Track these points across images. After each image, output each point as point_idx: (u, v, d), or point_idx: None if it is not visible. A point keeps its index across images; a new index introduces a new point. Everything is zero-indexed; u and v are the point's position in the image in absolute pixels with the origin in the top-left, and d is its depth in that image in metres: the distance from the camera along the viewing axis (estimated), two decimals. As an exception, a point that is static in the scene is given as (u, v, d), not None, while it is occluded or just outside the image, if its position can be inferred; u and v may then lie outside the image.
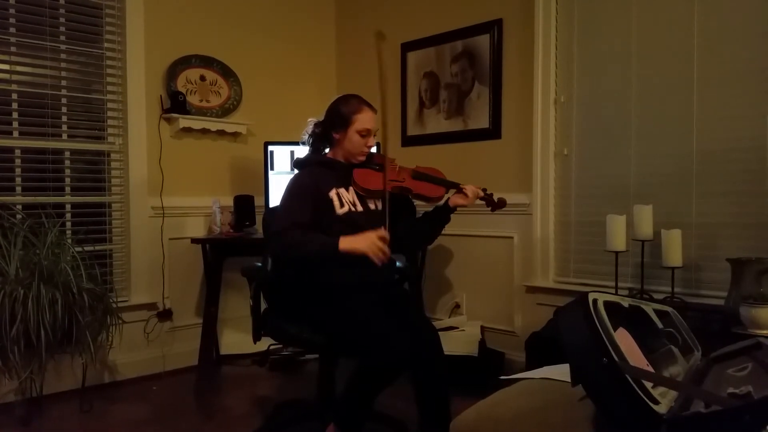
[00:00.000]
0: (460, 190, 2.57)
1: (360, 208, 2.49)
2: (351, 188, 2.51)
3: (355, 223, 2.43)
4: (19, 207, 3.21)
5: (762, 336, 1.93)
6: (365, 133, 2.49)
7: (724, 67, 2.83)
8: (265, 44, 4.19)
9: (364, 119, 2.49)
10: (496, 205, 2.61)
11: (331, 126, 2.51)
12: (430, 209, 2.61)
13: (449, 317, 3.82)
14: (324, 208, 2.42)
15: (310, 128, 2.60)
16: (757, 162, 2.74)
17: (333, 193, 2.45)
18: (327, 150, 2.60)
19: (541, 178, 3.45)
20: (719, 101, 2.85)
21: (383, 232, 2.25)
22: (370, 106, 2.54)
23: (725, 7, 2.82)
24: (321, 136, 2.57)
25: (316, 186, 2.44)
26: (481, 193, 2.61)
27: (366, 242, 2.24)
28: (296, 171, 2.59)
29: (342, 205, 2.44)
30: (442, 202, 2.59)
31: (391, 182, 2.51)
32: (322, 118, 2.59)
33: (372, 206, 2.55)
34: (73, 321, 2.89)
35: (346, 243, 2.25)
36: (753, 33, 2.74)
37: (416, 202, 2.70)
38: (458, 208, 2.57)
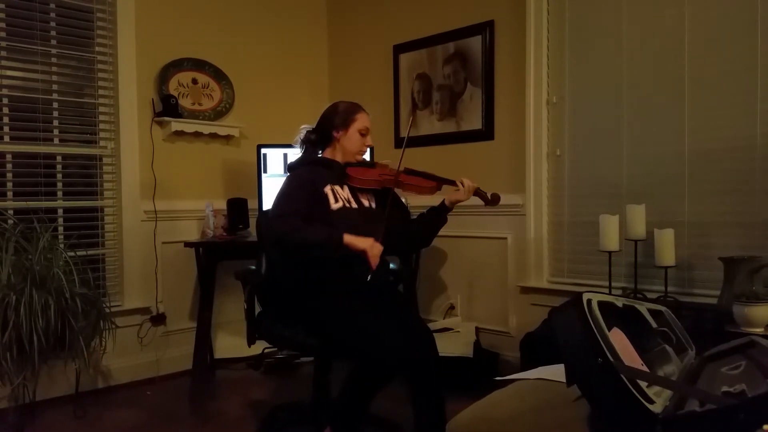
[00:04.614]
0: (454, 185, 2.58)
1: (354, 205, 2.51)
2: (345, 186, 2.53)
3: (349, 219, 2.44)
4: (11, 212, 3.19)
5: (755, 334, 1.94)
6: (365, 132, 2.57)
7: (715, 67, 2.84)
8: (257, 47, 4.18)
9: (363, 118, 2.58)
10: (490, 201, 2.61)
11: (332, 126, 2.55)
12: (426, 212, 2.62)
13: (444, 318, 3.82)
14: (319, 203, 2.44)
15: (302, 134, 2.64)
16: (749, 161, 2.75)
17: (328, 189, 2.48)
18: (320, 153, 2.63)
19: (534, 178, 3.46)
20: (710, 101, 2.86)
21: (380, 246, 2.34)
22: (365, 109, 2.62)
23: (716, 7, 2.84)
24: (315, 142, 2.61)
25: (312, 181, 2.47)
26: (475, 186, 2.60)
27: (368, 242, 2.31)
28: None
29: (336, 200, 2.47)
30: (437, 202, 2.59)
31: (383, 176, 2.56)
32: (314, 125, 2.63)
33: (366, 203, 2.57)
34: (66, 326, 2.87)
35: (349, 238, 2.30)
36: (743, 33, 2.75)
37: (412, 205, 2.71)
38: (454, 207, 2.58)
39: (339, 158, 2.57)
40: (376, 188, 2.59)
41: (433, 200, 2.63)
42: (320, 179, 2.48)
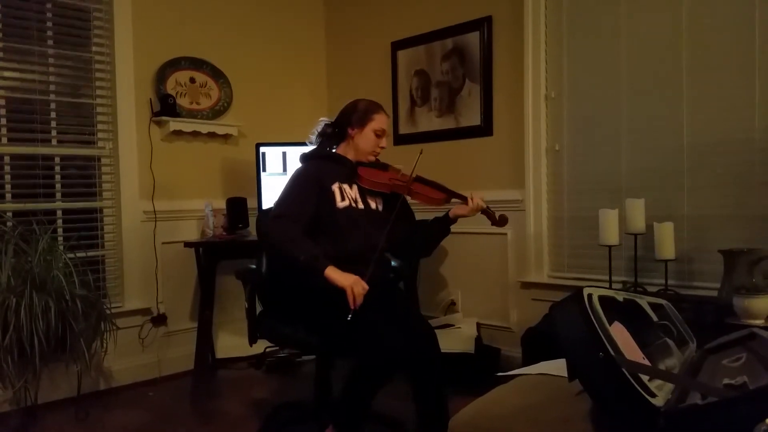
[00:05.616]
0: (463, 200, 2.56)
1: (361, 206, 2.50)
2: (354, 185, 2.52)
3: (354, 219, 2.44)
4: (10, 214, 3.18)
5: (755, 326, 1.94)
6: (380, 133, 2.55)
7: (713, 60, 2.84)
8: (255, 45, 4.17)
9: (381, 119, 2.56)
10: (497, 222, 2.58)
11: (348, 122, 2.54)
12: (430, 222, 2.61)
13: (445, 315, 3.82)
14: (325, 200, 2.44)
15: (320, 127, 2.62)
16: (747, 154, 2.75)
17: (335, 187, 2.47)
18: (335, 149, 2.62)
19: (533, 174, 3.45)
20: (709, 95, 2.85)
21: (366, 285, 2.23)
22: (385, 111, 2.60)
23: (714, 1, 2.83)
24: (331, 136, 2.59)
25: (319, 178, 2.46)
26: (484, 205, 2.56)
27: (350, 281, 2.22)
28: (301, 164, 2.59)
29: (343, 198, 2.46)
30: (442, 213, 2.58)
31: (394, 180, 2.54)
32: (333, 119, 2.62)
33: (373, 205, 2.56)
34: (67, 328, 2.87)
35: (332, 272, 2.24)
36: (741, 27, 2.75)
37: (412, 204, 2.70)
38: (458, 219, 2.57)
39: (351, 156, 2.56)
40: (385, 192, 2.57)
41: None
42: (328, 175, 2.48)
